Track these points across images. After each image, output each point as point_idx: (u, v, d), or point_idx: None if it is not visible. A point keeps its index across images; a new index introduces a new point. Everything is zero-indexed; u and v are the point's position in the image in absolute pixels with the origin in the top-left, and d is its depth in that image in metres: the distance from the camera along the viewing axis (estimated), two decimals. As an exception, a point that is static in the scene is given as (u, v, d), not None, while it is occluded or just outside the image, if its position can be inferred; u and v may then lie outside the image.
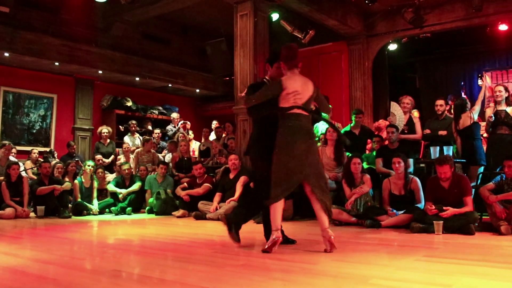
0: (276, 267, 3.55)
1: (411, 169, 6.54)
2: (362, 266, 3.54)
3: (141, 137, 11.22)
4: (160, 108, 13.52)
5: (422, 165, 7.31)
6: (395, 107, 7.68)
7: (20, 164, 8.88)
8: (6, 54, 9.82)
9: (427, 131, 7.61)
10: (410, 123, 7.59)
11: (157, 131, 11.50)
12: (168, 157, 10.03)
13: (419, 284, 2.93)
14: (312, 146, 4.34)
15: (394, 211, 6.03)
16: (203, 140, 10.47)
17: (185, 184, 8.34)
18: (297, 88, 4.25)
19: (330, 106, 4.70)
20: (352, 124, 8.33)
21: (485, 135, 8.48)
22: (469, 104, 7.48)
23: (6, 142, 9.09)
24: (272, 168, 4.23)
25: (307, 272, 3.35)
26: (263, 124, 4.53)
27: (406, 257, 3.93)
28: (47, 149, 10.99)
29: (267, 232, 4.37)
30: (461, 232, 5.28)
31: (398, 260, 3.78)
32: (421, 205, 6.00)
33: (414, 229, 5.47)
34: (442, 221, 5.31)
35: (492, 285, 2.94)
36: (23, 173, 8.80)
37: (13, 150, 9.55)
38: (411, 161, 6.53)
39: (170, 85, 13.01)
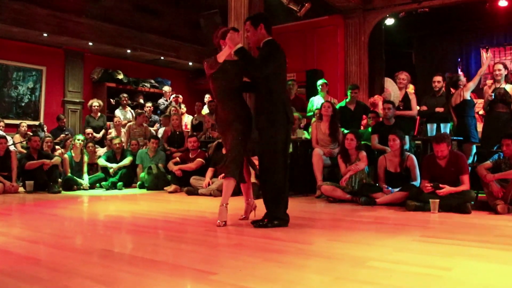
0: (270, 247, 3.45)
1: (407, 146, 6.43)
2: (358, 247, 3.44)
3: (132, 111, 11.05)
4: (152, 81, 13.29)
5: (418, 142, 7.22)
6: (389, 83, 7.56)
7: (9, 138, 8.71)
8: (-7, 25, 9.55)
9: (424, 107, 7.52)
10: (405, 99, 7.46)
11: (149, 104, 11.30)
12: (160, 131, 9.88)
13: (418, 267, 2.84)
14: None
15: (390, 188, 5.95)
16: (195, 114, 10.30)
17: (178, 158, 8.22)
18: None
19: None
20: (347, 100, 8.19)
21: (480, 112, 8.41)
22: (462, 81, 7.37)
23: (-6, 115, 8.90)
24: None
25: (302, 253, 3.25)
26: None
27: (403, 237, 3.84)
28: (36, 123, 10.79)
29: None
30: (457, 211, 5.22)
31: (395, 240, 3.69)
32: (417, 183, 5.93)
33: (409, 207, 5.39)
34: (438, 200, 5.23)
35: (492, 268, 2.85)
36: (12, 147, 8.63)
37: (1, 124, 9.36)
38: (407, 138, 6.42)
39: (162, 57, 12.79)
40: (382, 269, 2.79)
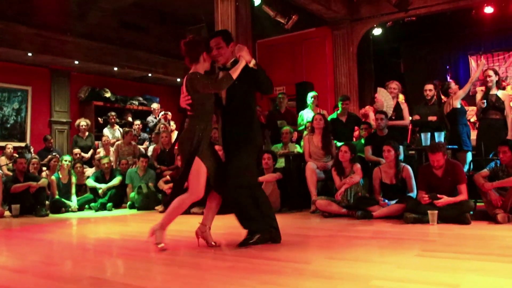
0: (266, 268, 3.28)
1: (401, 157, 6.32)
2: (359, 264, 3.29)
3: (121, 129, 10.87)
4: (140, 98, 13.15)
5: (411, 152, 7.11)
6: (382, 93, 7.46)
7: (-6, 160, 8.51)
8: (-25, 45, 9.39)
9: (416, 117, 7.43)
10: (397, 108, 7.38)
11: (138, 122, 11.14)
12: (150, 149, 9.71)
13: (425, 284, 2.69)
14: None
15: (386, 201, 5.81)
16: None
17: (168, 177, 8.04)
18: None
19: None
20: (338, 111, 8.09)
21: (473, 119, 8.34)
22: (453, 89, 7.28)
23: (-22, 137, 8.70)
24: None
25: (300, 273, 3.10)
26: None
27: (404, 252, 3.69)
28: (23, 144, 10.58)
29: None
30: (457, 222, 5.08)
31: (397, 255, 3.54)
32: (414, 194, 5.80)
33: (407, 219, 5.25)
34: (436, 211, 5.10)
35: (500, 283, 2.71)
36: (-3, 170, 8.43)
37: (-14, 146, 9.15)
38: (401, 148, 6.30)
39: (150, 74, 12.66)
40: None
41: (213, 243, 4.15)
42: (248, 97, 4.14)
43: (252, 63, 3.98)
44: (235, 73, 3.90)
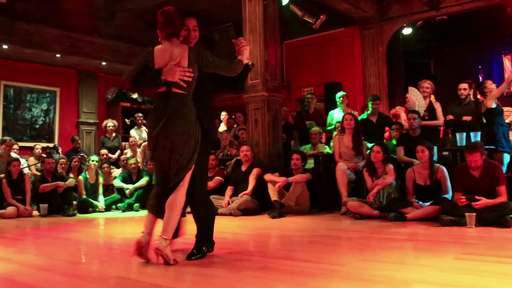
0: (298, 269, 3.14)
1: (434, 158, 6.11)
2: (397, 267, 3.13)
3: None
4: (167, 100, 13.12)
5: (445, 153, 6.87)
6: (413, 92, 7.25)
7: (23, 160, 8.55)
8: (5, 47, 9.51)
9: (450, 116, 7.20)
10: (430, 108, 7.16)
11: (164, 123, 11.07)
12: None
13: (471, 290, 2.53)
14: (182, 137, 3.41)
15: (420, 202, 5.60)
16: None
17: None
18: (163, 64, 3.42)
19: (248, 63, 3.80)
20: (369, 112, 7.90)
21: (507, 120, 8.04)
22: (489, 88, 7.02)
23: (7, 138, 8.78)
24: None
25: (335, 275, 2.94)
26: None
27: (443, 255, 3.51)
28: (51, 145, 10.64)
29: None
30: (496, 225, 4.86)
31: (435, 259, 3.36)
32: (449, 195, 5.59)
33: (444, 222, 5.04)
34: (475, 213, 4.88)
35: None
36: (26, 170, 8.47)
37: (15, 147, 9.21)
38: (435, 149, 6.09)
39: (176, 75, 12.59)
40: (430, 293, 2.48)
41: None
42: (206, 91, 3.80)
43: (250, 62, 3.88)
44: (244, 62, 3.69)
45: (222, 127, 10.21)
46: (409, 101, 7.26)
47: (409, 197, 5.87)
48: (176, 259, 3.41)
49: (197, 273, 3.21)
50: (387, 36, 10.67)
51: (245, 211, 6.73)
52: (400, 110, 8.33)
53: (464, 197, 5.09)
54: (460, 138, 6.19)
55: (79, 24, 10.55)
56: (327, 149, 7.62)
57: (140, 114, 11.02)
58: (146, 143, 9.69)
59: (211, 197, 7.23)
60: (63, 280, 3.14)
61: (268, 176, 6.73)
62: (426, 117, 7.04)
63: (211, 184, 7.57)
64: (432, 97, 8.28)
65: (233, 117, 10.16)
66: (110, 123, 10.56)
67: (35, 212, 7.91)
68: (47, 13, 10.14)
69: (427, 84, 7.27)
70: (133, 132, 10.69)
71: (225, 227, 5.61)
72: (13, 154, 8.75)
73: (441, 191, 5.73)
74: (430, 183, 5.78)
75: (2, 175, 7.98)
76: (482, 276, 2.82)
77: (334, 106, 8.86)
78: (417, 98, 7.07)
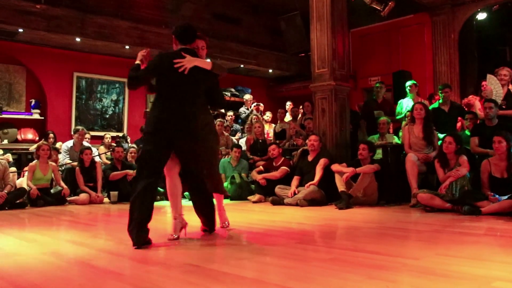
0: (371, 262, 3.03)
1: (514, 149, 5.78)
2: (475, 263, 2.96)
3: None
4: (233, 90, 13.21)
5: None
6: (491, 80, 6.89)
7: (94, 149, 8.83)
8: (78, 39, 9.80)
9: (531, 105, 6.78)
10: (509, 97, 6.78)
11: (230, 113, 11.16)
12: (242, 140, 9.68)
13: (560, 289, 2.34)
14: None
15: (496, 196, 5.30)
16: (278, 122, 10.02)
17: (261, 167, 7.93)
18: None
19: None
20: (440, 101, 7.58)
21: None
22: None
23: (80, 127, 9.07)
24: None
25: (411, 269, 2.82)
26: None
27: (525, 251, 3.31)
28: (120, 134, 10.95)
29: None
30: None
31: (517, 255, 3.17)
32: (528, 189, 5.27)
33: (523, 217, 4.76)
34: (559, 208, 4.58)
35: None
36: (97, 158, 8.74)
37: (87, 136, 9.54)
38: (515, 139, 5.75)
39: (242, 65, 12.64)
40: (515, 291, 2.32)
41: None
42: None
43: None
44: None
45: (288, 117, 10.14)
46: (485, 89, 6.91)
47: (484, 190, 5.58)
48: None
49: (263, 261, 3.16)
50: (459, 22, 10.23)
51: (311, 202, 6.64)
52: (473, 99, 7.95)
53: None
54: (542, 129, 5.82)
55: (147, 15, 10.75)
56: (396, 139, 7.39)
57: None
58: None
59: (277, 186, 7.23)
60: (135, 265, 3.19)
61: (335, 167, 6.61)
62: (504, 106, 6.68)
63: (276, 174, 7.54)
64: (511, 85, 7.88)
65: (300, 106, 10.05)
66: (176, 113, 10.71)
67: (106, 199, 8.16)
68: (117, 6, 10.40)
69: (505, 72, 6.90)
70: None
71: (291, 217, 5.56)
72: (85, 143, 9.05)
73: (520, 185, 5.42)
74: (507, 175, 5.47)
75: (75, 163, 8.28)
76: None
77: (402, 95, 8.58)
78: (494, 86, 6.72)
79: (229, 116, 11.00)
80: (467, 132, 7.05)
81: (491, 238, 4.08)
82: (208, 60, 4.10)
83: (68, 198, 7.79)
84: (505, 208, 5.16)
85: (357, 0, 9.47)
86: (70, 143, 8.88)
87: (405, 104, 8.11)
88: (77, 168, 8.08)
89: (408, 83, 8.42)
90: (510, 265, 2.88)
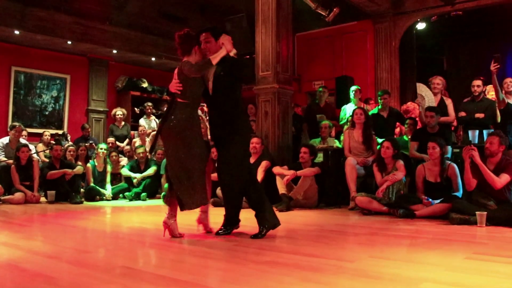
0: (307, 264, 3.10)
1: (448, 155, 6.03)
2: (406, 265, 3.07)
3: (157, 120, 10.83)
4: (175, 90, 13.08)
5: (456, 150, 6.77)
6: (422, 88, 7.15)
7: (32, 147, 8.55)
8: (17, 32, 9.48)
9: (462, 113, 7.09)
10: (442, 105, 7.05)
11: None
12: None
13: (482, 291, 2.46)
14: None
15: (430, 200, 5.53)
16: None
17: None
18: None
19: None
20: (379, 107, 7.81)
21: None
22: (508, 84, 6.96)
23: (17, 124, 8.75)
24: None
25: (344, 271, 2.89)
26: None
27: (453, 254, 3.46)
28: (60, 132, 10.65)
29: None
30: (507, 224, 4.77)
31: (445, 257, 3.30)
32: (459, 193, 5.53)
33: (453, 220, 4.98)
34: (485, 212, 4.81)
35: None
36: (35, 156, 8.47)
37: (24, 133, 9.22)
38: (449, 146, 6.00)
39: (187, 65, 12.54)
40: (440, 293, 2.42)
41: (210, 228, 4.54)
42: (233, 88, 4.29)
43: (232, 53, 4.22)
44: (215, 59, 4.09)
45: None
46: (419, 97, 7.16)
47: (418, 194, 5.81)
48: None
49: (203, 264, 3.16)
50: (400, 30, 10.54)
51: (252, 204, 6.67)
52: (411, 106, 8.24)
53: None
54: (473, 136, 6.11)
55: (91, 11, 10.51)
56: (337, 143, 7.55)
57: (149, 104, 11.00)
58: (155, 132, 9.66)
59: (219, 188, 7.22)
60: (69, 268, 3.12)
61: (276, 169, 6.69)
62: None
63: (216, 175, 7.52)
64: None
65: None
66: (119, 112, 10.55)
67: (43, 199, 7.93)
68: (60, 0, 10.11)
69: (438, 80, 7.18)
70: (142, 121, 10.68)
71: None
72: (22, 140, 8.75)
73: (452, 189, 5.66)
74: (440, 180, 5.71)
75: (11, 161, 7.99)
76: (492, 276, 2.77)
77: (345, 100, 8.77)
78: (426, 93, 6.97)
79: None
80: (405, 138, 7.29)
81: (422, 240, 4.23)
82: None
83: (1, 197, 7.50)
84: (438, 211, 5.40)
85: (303, 4, 9.61)
86: (6, 139, 8.56)
87: (349, 110, 8.29)
88: (13, 166, 7.80)
89: (353, 88, 8.61)
90: (438, 266, 3.01)
